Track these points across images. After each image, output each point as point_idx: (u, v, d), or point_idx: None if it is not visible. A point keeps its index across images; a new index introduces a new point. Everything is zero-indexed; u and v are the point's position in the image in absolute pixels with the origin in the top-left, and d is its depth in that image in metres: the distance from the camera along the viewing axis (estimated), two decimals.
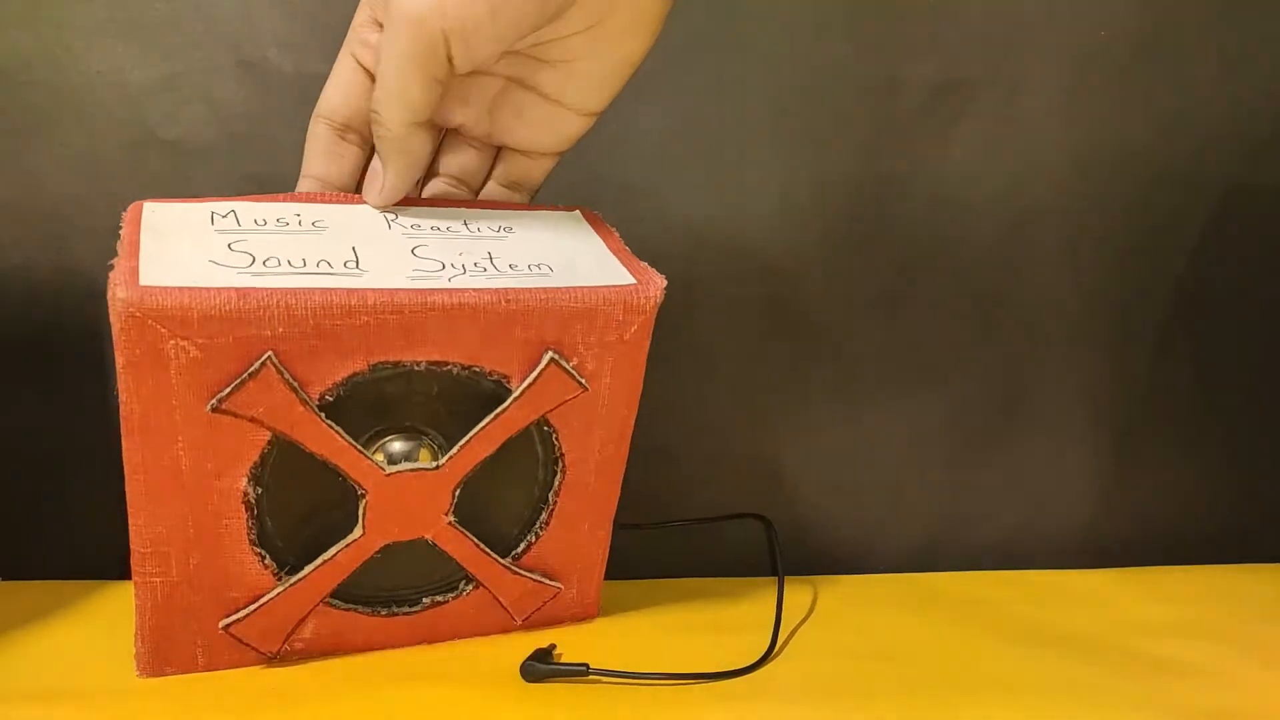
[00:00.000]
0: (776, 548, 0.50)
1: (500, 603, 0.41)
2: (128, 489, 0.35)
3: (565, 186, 0.53)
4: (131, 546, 0.35)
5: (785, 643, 0.41)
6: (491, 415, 0.37)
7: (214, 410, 0.34)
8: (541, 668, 0.37)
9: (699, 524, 0.48)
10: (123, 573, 0.50)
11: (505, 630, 0.42)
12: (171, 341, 0.32)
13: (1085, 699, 0.35)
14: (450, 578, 0.40)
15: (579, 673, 0.37)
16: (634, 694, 0.35)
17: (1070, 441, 0.56)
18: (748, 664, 0.38)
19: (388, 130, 0.35)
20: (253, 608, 0.37)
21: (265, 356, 0.33)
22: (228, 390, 0.33)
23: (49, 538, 0.52)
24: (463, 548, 0.39)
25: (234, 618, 0.37)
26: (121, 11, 0.51)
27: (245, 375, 0.33)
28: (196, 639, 0.37)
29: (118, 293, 0.33)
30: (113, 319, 0.33)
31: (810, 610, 0.45)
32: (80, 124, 0.52)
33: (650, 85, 0.53)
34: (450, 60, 0.34)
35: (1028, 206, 0.55)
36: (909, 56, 0.54)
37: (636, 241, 0.54)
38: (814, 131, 0.54)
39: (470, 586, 0.41)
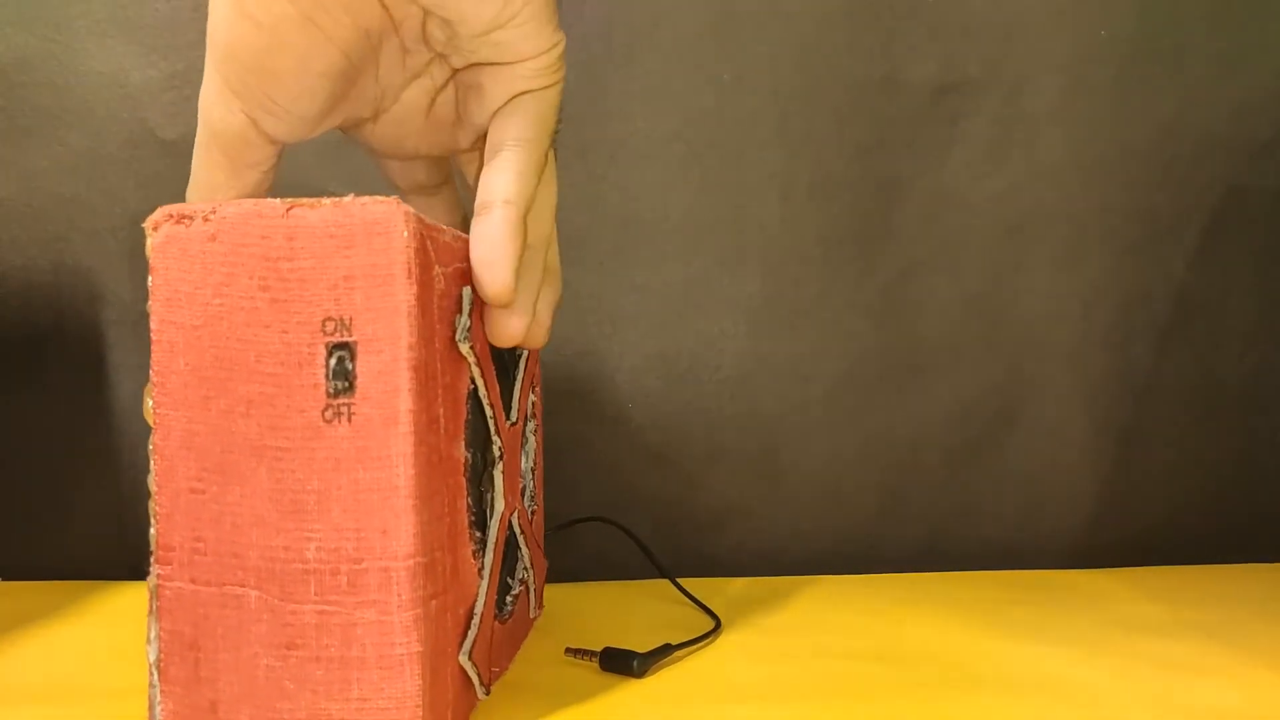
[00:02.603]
0: (645, 548, 0.48)
1: (532, 590, 0.38)
2: (392, 491, 0.27)
3: (566, 187, 0.53)
4: (388, 566, 0.27)
5: (783, 643, 0.41)
6: (522, 364, 0.35)
7: (459, 342, 0.29)
8: (646, 657, 0.36)
9: (553, 532, 0.47)
10: (121, 573, 0.50)
11: (530, 624, 0.40)
12: (436, 269, 0.28)
13: (1085, 699, 0.35)
14: (512, 566, 0.37)
15: (665, 653, 0.37)
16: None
17: (1070, 441, 0.56)
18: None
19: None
20: (476, 621, 0.30)
21: (465, 287, 0.30)
22: (465, 319, 0.29)
23: (49, 538, 0.52)
24: (526, 520, 0.35)
25: (469, 640, 0.30)
26: (121, 11, 0.51)
27: (469, 305, 0.30)
28: (448, 684, 0.29)
29: (397, 220, 0.27)
30: (400, 249, 0.27)
31: (810, 610, 0.45)
32: (80, 124, 0.52)
33: (650, 85, 0.53)
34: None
35: (1027, 206, 0.55)
36: (909, 56, 0.54)
37: (636, 241, 0.54)
38: (814, 131, 0.54)
39: (530, 574, 0.37)
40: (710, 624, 0.42)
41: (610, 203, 0.53)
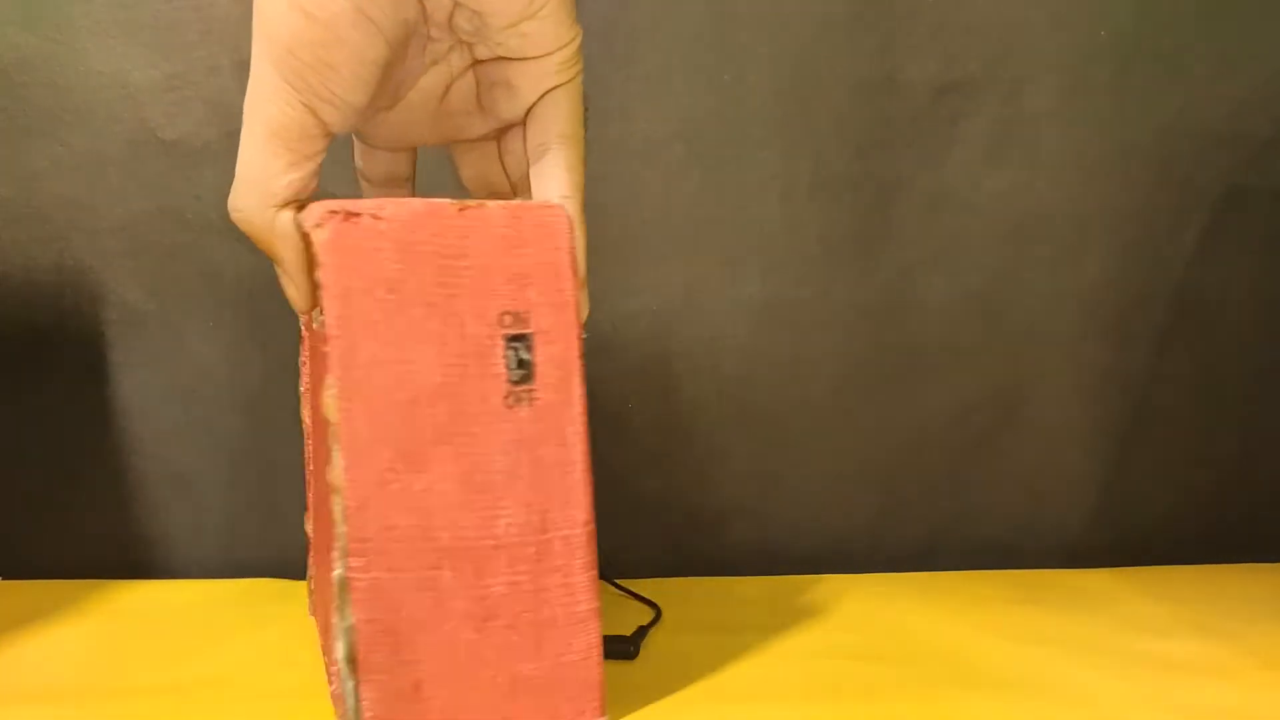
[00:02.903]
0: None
1: None
2: (571, 466, 0.30)
3: None
4: (569, 534, 0.30)
5: (783, 643, 0.41)
6: None
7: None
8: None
9: None
10: (121, 573, 0.50)
11: None
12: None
13: (1085, 699, 0.35)
14: None
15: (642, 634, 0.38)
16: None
17: (1070, 441, 0.56)
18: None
19: (246, 221, 0.31)
20: None
21: None
22: None
23: (49, 538, 0.52)
24: None
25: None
26: (121, 12, 0.51)
27: None
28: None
29: (563, 222, 0.31)
30: (567, 249, 0.30)
31: (810, 610, 0.45)
32: (81, 124, 0.52)
33: (650, 85, 0.53)
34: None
35: (1027, 206, 0.55)
36: (909, 56, 0.54)
37: (636, 241, 0.54)
38: (814, 131, 0.54)
39: None
40: (651, 613, 0.43)
41: (610, 203, 0.53)
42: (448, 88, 0.36)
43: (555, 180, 0.34)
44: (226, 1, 0.51)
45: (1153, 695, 0.35)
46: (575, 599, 0.30)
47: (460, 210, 0.29)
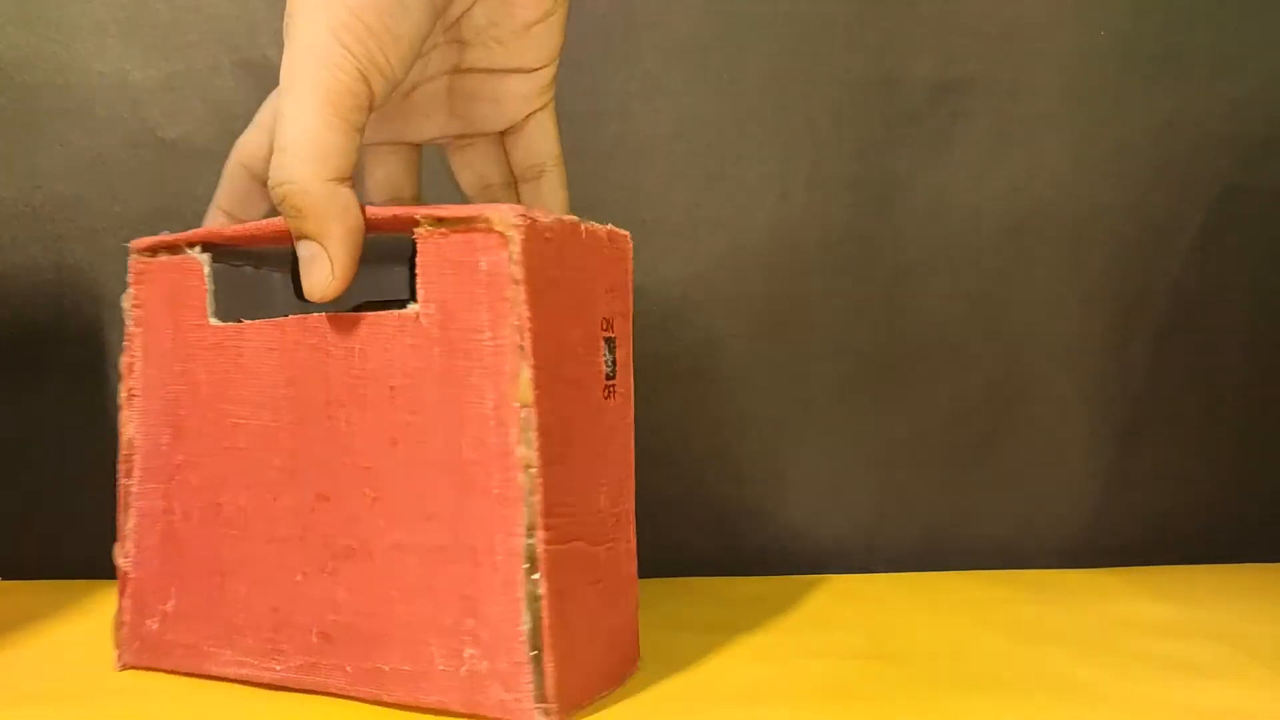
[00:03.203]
0: None
1: None
2: (631, 450, 0.36)
3: (569, 187, 0.53)
4: (627, 509, 0.36)
5: (783, 643, 0.41)
6: None
7: None
8: None
9: None
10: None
11: None
12: None
13: (1085, 699, 0.34)
14: None
15: None
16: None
17: (1070, 441, 0.56)
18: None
19: (304, 193, 0.30)
20: None
21: None
22: None
23: (49, 538, 0.52)
24: None
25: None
26: (121, 11, 0.51)
27: None
28: None
29: (630, 243, 0.37)
30: (631, 266, 0.36)
31: (810, 610, 0.45)
32: (81, 124, 0.52)
33: (650, 85, 0.53)
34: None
35: (1027, 206, 0.55)
36: (909, 56, 0.54)
37: (636, 242, 0.54)
38: (814, 131, 0.54)
39: None
40: None
41: (610, 203, 0.53)
42: (415, 87, 0.36)
43: (556, 201, 0.39)
44: (226, 1, 0.51)
45: (1153, 695, 0.35)
46: (631, 564, 0.36)
47: (583, 227, 0.33)
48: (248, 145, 0.37)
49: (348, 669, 0.33)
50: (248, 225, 0.35)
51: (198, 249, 0.35)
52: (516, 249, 0.30)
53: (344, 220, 0.30)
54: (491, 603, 0.31)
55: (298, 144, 0.29)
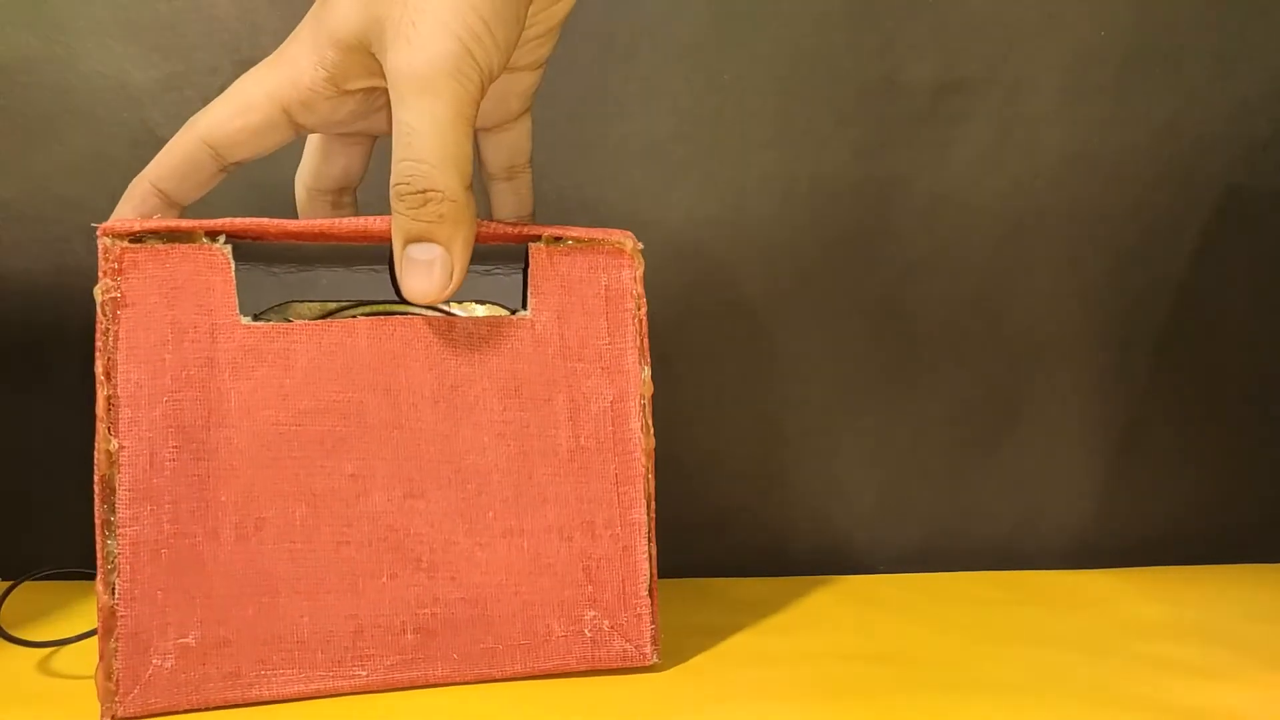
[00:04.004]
0: None
1: None
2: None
3: (569, 187, 0.53)
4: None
5: (783, 643, 0.41)
6: None
7: None
8: None
9: None
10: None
11: None
12: None
13: (1085, 699, 0.35)
14: None
15: None
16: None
17: (1070, 441, 0.56)
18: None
19: (450, 201, 0.31)
20: None
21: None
22: None
23: (49, 538, 0.52)
24: None
25: None
26: (122, 12, 0.51)
27: None
28: None
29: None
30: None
31: (811, 611, 0.45)
32: (81, 124, 0.52)
33: (650, 85, 0.53)
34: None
35: (1027, 206, 0.55)
36: (909, 56, 0.54)
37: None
38: (814, 131, 0.54)
39: None
40: None
41: (610, 203, 0.53)
42: None
43: (529, 200, 0.41)
44: (226, 1, 0.51)
45: (1153, 696, 0.35)
46: None
47: (635, 241, 0.37)
48: (219, 123, 0.34)
49: (454, 656, 0.34)
50: (319, 222, 0.33)
51: (221, 239, 0.33)
52: (641, 269, 0.37)
53: (472, 227, 0.32)
54: (611, 569, 0.36)
55: (441, 154, 0.30)
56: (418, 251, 0.32)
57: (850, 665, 0.38)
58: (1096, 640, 0.41)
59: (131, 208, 0.35)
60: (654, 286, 0.54)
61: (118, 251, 0.33)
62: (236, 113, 0.35)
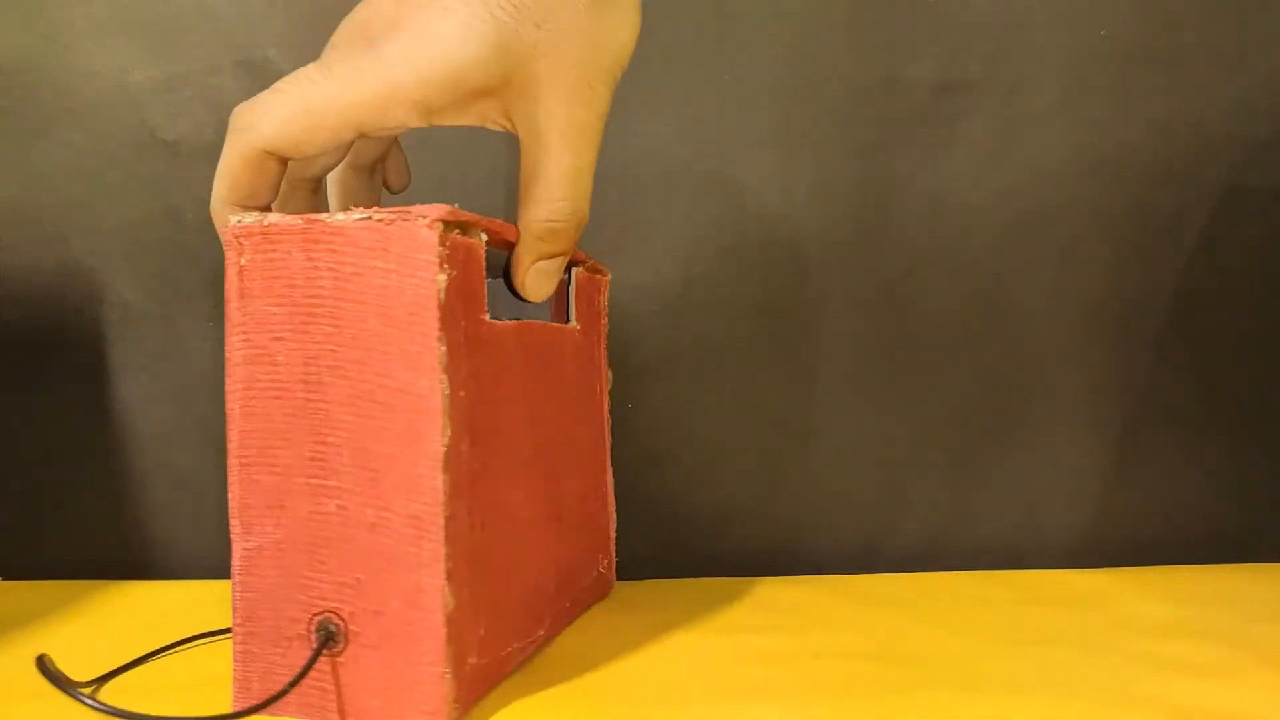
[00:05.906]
0: None
1: None
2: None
3: None
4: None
5: (783, 643, 0.41)
6: None
7: None
8: None
9: None
10: (121, 573, 0.50)
11: None
12: None
13: (1085, 699, 0.34)
14: None
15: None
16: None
17: (1070, 441, 0.56)
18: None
19: (579, 221, 0.36)
20: None
21: None
22: None
23: (49, 538, 0.52)
24: None
25: None
26: (122, 12, 0.51)
27: None
28: None
29: None
30: None
31: (811, 610, 0.45)
32: (81, 124, 0.52)
33: (651, 86, 0.53)
34: None
35: (1027, 206, 0.55)
36: (909, 56, 0.54)
37: (637, 242, 0.54)
38: (814, 131, 0.54)
39: None
40: None
41: (610, 202, 0.53)
42: None
43: (404, 173, 0.43)
44: (226, 1, 0.51)
45: (1153, 695, 0.35)
46: None
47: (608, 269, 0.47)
48: (289, 133, 0.32)
49: (567, 604, 0.41)
50: (506, 224, 0.35)
51: (482, 233, 0.32)
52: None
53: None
54: (602, 520, 0.47)
55: (587, 190, 0.36)
56: (548, 265, 0.36)
57: (851, 665, 0.38)
58: (1097, 639, 0.41)
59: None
60: (654, 286, 0.54)
61: (445, 239, 0.30)
62: (300, 120, 0.33)
